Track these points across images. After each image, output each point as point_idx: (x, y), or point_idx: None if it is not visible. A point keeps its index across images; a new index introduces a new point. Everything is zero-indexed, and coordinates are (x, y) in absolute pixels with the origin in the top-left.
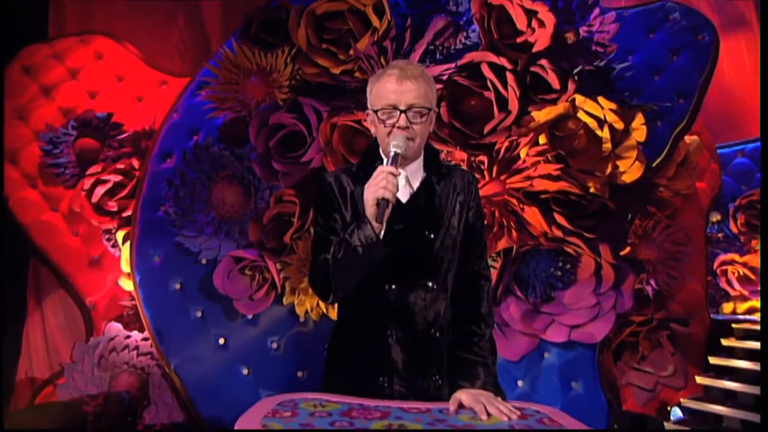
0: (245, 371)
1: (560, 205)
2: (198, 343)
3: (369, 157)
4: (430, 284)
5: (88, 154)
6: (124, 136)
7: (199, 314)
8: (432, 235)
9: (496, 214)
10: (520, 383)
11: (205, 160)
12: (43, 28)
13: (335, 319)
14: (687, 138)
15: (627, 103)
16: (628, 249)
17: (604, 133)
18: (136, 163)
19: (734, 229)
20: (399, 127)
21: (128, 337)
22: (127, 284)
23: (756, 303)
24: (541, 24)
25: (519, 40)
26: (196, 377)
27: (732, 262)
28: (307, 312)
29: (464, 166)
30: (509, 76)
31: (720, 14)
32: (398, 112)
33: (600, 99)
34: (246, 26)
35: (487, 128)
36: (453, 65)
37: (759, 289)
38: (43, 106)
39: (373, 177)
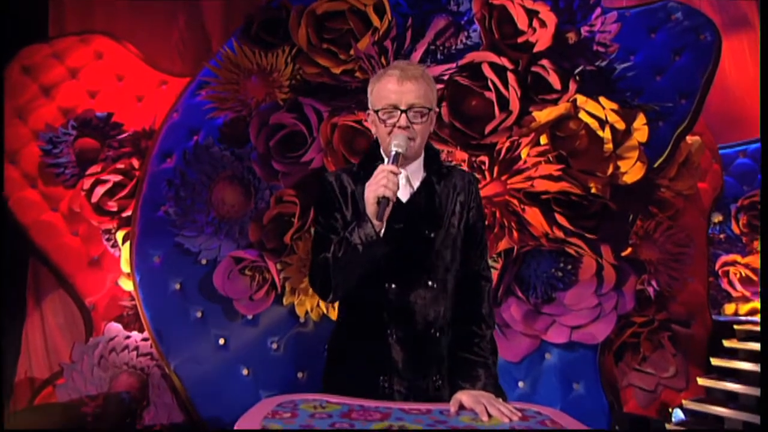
0: (245, 372)
1: (561, 206)
2: (198, 343)
3: (370, 157)
4: (430, 283)
5: (88, 154)
6: (124, 135)
7: (199, 315)
8: (432, 234)
9: (497, 214)
10: (520, 384)
11: (206, 160)
12: (43, 27)
13: (335, 320)
14: (689, 138)
15: (628, 104)
16: (629, 250)
17: (606, 134)
18: (136, 163)
19: (736, 230)
20: (400, 127)
21: (128, 337)
22: (127, 284)
23: (758, 304)
24: (543, 24)
25: (520, 40)
26: (196, 378)
27: (734, 263)
28: (307, 312)
29: (465, 167)
30: (510, 76)
31: (722, 14)
32: (399, 112)
33: (601, 99)
34: (246, 26)
35: (488, 128)
36: (454, 65)
37: (759, 290)
38: (42, 106)
39: (374, 176)
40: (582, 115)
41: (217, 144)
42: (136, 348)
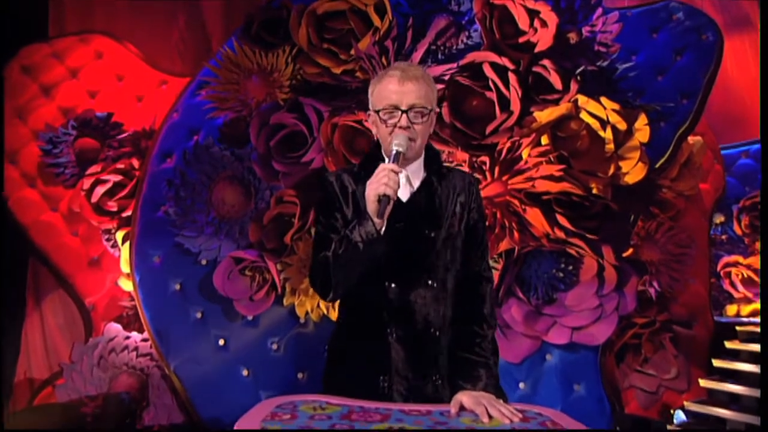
0: (245, 372)
1: (562, 206)
2: (198, 344)
3: (371, 158)
4: (430, 282)
5: (88, 154)
6: (124, 135)
7: (198, 315)
8: (432, 234)
9: (498, 215)
10: (521, 385)
11: (206, 160)
12: (43, 27)
13: (336, 320)
14: (690, 139)
15: (630, 104)
16: (630, 250)
17: (607, 134)
18: (136, 163)
19: (738, 231)
20: (401, 127)
21: (128, 337)
22: (127, 285)
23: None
24: (544, 24)
25: (521, 40)
26: (196, 378)
27: (736, 264)
28: (307, 313)
29: (466, 167)
30: (511, 77)
31: (724, 14)
32: (400, 113)
33: (603, 99)
34: (247, 26)
35: (489, 129)
36: (455, 65)
37: (760, 291)
38: (42, 106)
39: (375, 174)
40: (583, 116)
41: (217, 144)
42: (136, 348)
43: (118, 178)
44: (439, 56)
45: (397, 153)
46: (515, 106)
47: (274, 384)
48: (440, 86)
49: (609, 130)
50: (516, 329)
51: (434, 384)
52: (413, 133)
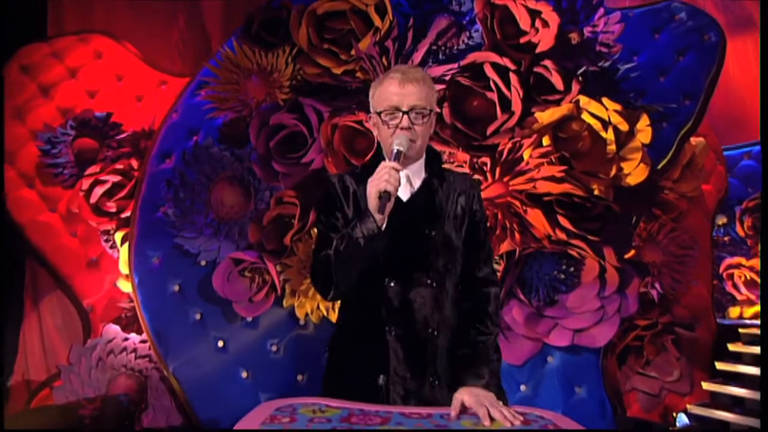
0: (244, 374)
1: (564, 208)
2: (197, 345)
3: (372, 160)
4: (429, 282)
5: (87, 154)
6: (123, 136)
7: (198, 316)
8: (432, 233)
9: (499, 216)
10: (522, 387)
11: (205, 160)
12: (42, 26)
13: (336, 322)
14: (693, 140)
15: (632, 104)
16: (632, 252)
17: (609, 135)
18: (135, 163)
19: (741, 233)
20: (402, 128)
21: (126, 339)
22: (126, 286)
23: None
24: (545, 24)
25: (522, 40)
26: (195, 380)
27: (738, 266)
28: (307, 315)
29: (467, 168)
30: (512, 77)
31: (726, 14)
32: (401, 114)
33: (604, 100)
34: (247, 26)
35: (490, 129)
36: (456, 65)
37: (760, 293)
38: (41, 106)
39: (376, 172)
40: (585, 116)
41: (216, 144)
42: (135, 350)
43: (117, 178)
44: (440, 56)
45: (398, 152)
46: (516, 107)
47: (274, 386)
48: (441, 87)
49: (611, 130)
50: (517, 331)
51: (431, 384)
52: (414, 134)
